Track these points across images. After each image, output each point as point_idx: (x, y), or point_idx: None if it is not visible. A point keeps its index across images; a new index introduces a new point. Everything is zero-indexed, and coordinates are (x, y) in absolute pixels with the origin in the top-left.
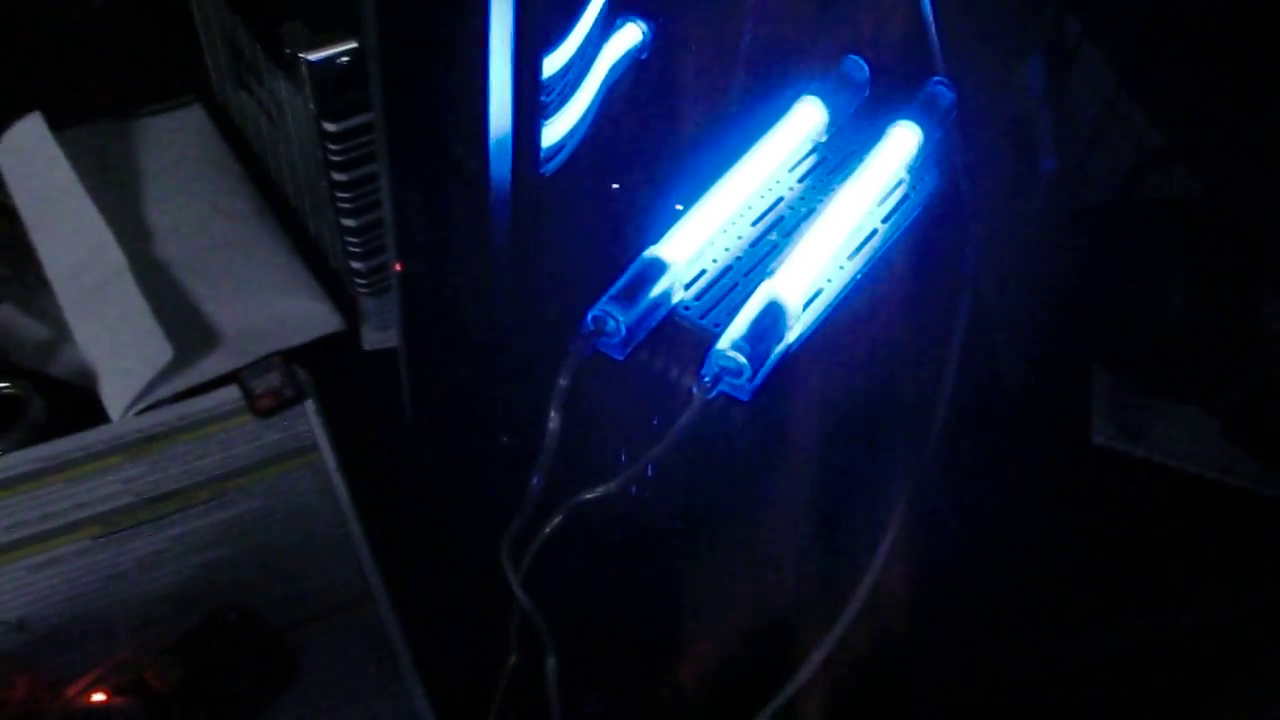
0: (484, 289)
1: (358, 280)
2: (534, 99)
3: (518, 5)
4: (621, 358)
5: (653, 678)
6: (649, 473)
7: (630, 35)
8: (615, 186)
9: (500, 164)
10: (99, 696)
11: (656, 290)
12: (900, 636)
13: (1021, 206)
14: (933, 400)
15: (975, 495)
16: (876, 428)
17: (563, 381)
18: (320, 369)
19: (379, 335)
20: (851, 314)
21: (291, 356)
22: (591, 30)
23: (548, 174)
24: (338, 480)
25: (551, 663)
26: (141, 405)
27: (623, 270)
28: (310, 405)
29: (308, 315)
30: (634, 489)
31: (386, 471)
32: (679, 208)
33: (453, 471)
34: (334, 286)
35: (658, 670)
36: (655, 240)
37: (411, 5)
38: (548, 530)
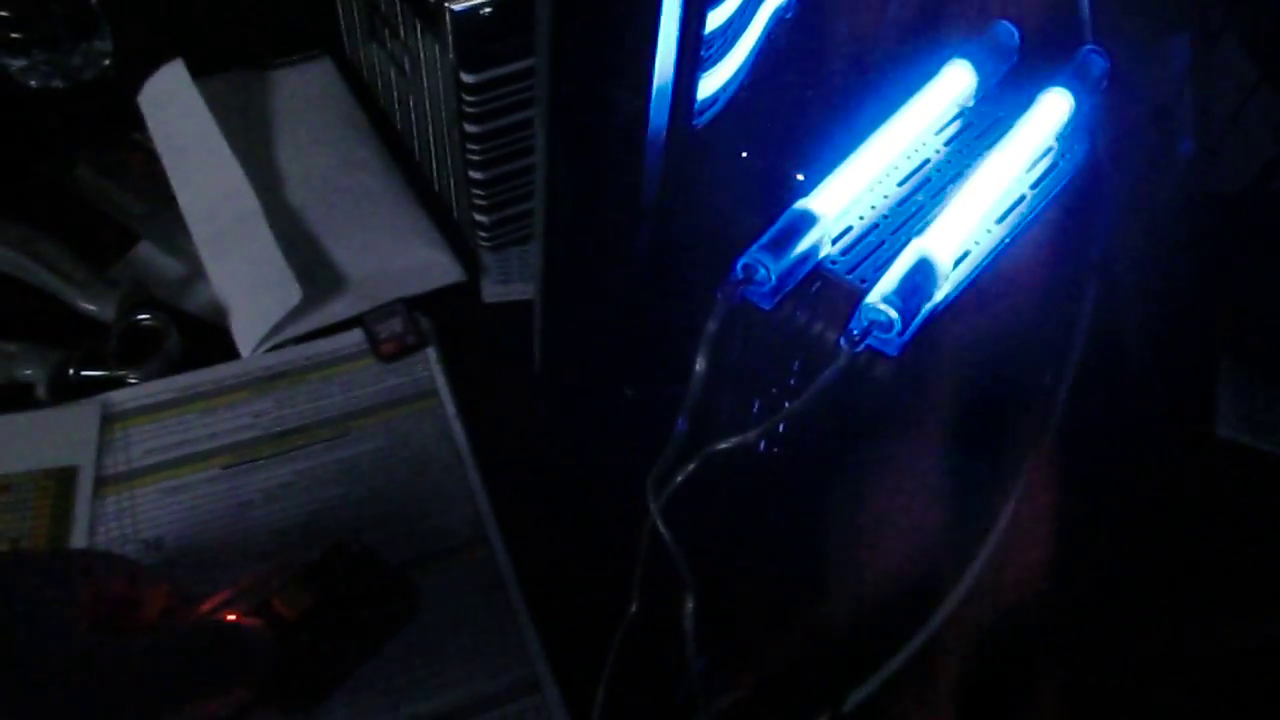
0: (629, 240)
1: (480, 233)
2: (697, 51)
3: None
4: (769, 307)
5: (775, 632)
6: (781, 428)
7: None
8: (744, 155)
9: (659, 114)
10: (230, 617)
11: (805, 243)
12: (1016, 616)
13: (1157, 188)
14: (1058, 379)
15: (1095, 479)
16: (1004, 401)
17: (711, 326)
18: (441, 318)
19: (499, 288)
20: (993, 279)
21: (414, 304)
22: None
23: (698, 127)
24: (456, 426)
25: (690, 602)
26: (270, 344)
27: (767, 225)
28: (431, 352)
29: (430, 265)
30: (763, 444)
31: (505, 419)
32: (800, 177)
33: (574, 422)
34: (456, 239)
35: (780, 625)
36: (801, 197)
37: None
38: (680, 478)
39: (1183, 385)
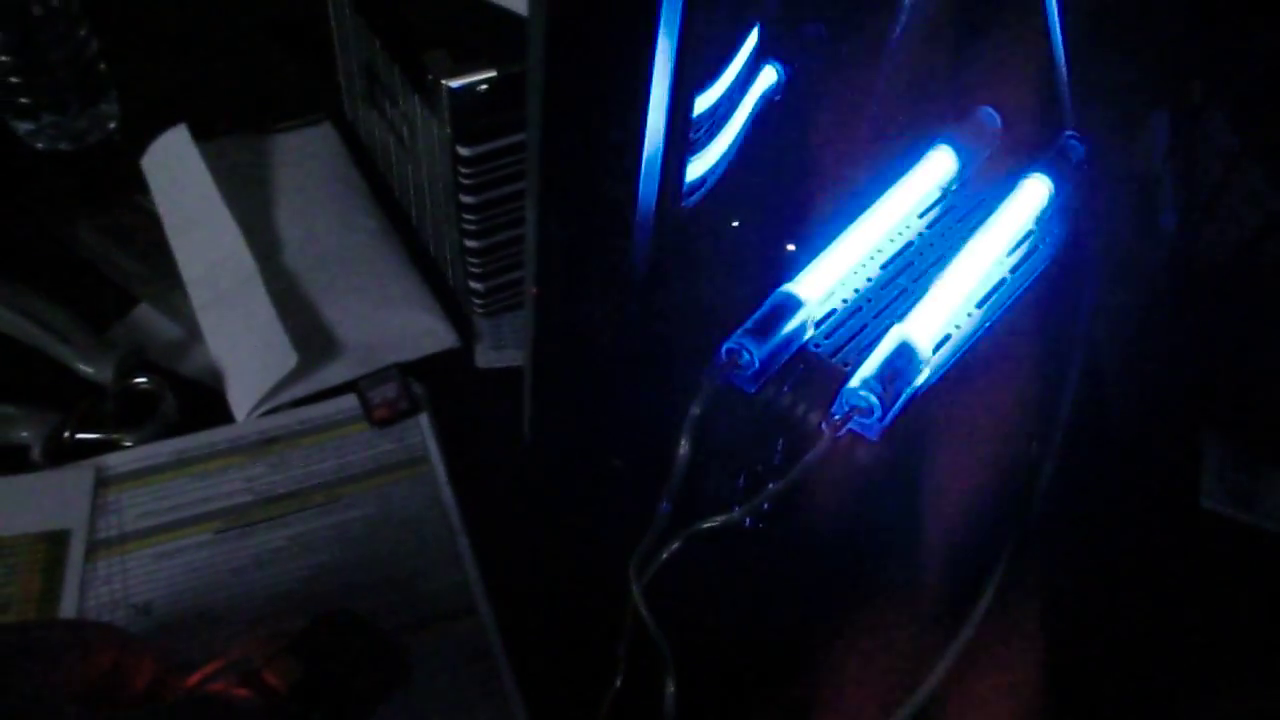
0: (617, 317)
1: (475, 300)
2: (685, 135)
3: (680, 44)
4: (753, 391)
5: (756, 709)
6: (765, 507)
7: (767, 78)
8: (735, 224)
9: (647, 195)
10: (219, 688)
11: (790, 326)
12: (1000, 696)
13: (1140, 262)
14: (1041, 451)
15: (1079, 551)
16: (988, 478)
17: (694, 410)
18: (434, 384)
19: (493, 355)
20: (975, 361)
21: (408, 370)
22: (740, 72)
23: (687, 208)
24: (447, 493)
25: (671, 684)
26: (265, 408)
27: (755, 304)
28: (424, 418)
29: (425, 330)
30: (749, 522)
31: (495, 486)
32: (791, 247)
33: (562, 491)
34: (450, 305)
35: (761, 701)
36: (788, 278)
37: (579, 40)
38: (664, 556)
39: (1167, 457)
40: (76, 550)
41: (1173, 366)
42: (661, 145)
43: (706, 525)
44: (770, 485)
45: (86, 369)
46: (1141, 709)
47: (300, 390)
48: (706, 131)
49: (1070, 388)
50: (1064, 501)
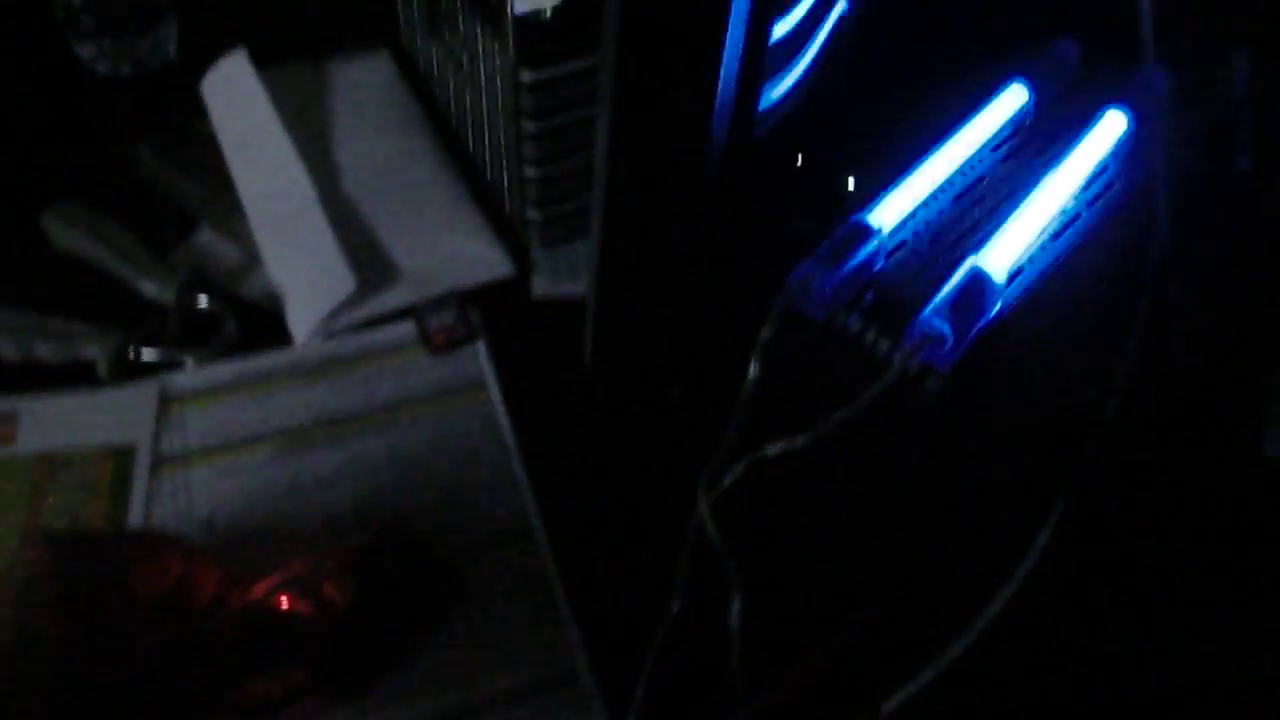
0: (685, 243)
1: (532, 230)
2: (761, 59)
3: None
4: (822, 318)
5: (814, 636)
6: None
7: (842, 8)
8: (799, 162)
9: (721, 121)
10: (281, 600)
11: (861, 255)
12: (1059, 628)
13: (1212, 206)
14: (1104, 394)
15: (1139, 496)
16: (1050, 416)
17: (765, 334)
18: (490, 312)
19: (549, 285)
20: (1044, 296)
21: (464, 298)
22: (816, 1)
23: (757, 136)
24: (503, 419)
25: (737, 603)
26: (324, 332)
27: (823, 235)
28: (481, 345)
29: (482, 259)
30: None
31: (551, 414)
32: (851, 185)
33: (621, 419)
34: (507, 234)
35: (820, 628)
36: (856, 207)
37: None
38: (727, 482)
39: (1231, 403)
40: (142, 465)
41: (1239, 312)
42: (738, 69)
43: (771, 452)
44: (836, 413)
45: (150, 289)
46: (1197, 654)
47: (358, 315)
48: (782, 60)
49: (1136, 329)
50: (1125, 444)
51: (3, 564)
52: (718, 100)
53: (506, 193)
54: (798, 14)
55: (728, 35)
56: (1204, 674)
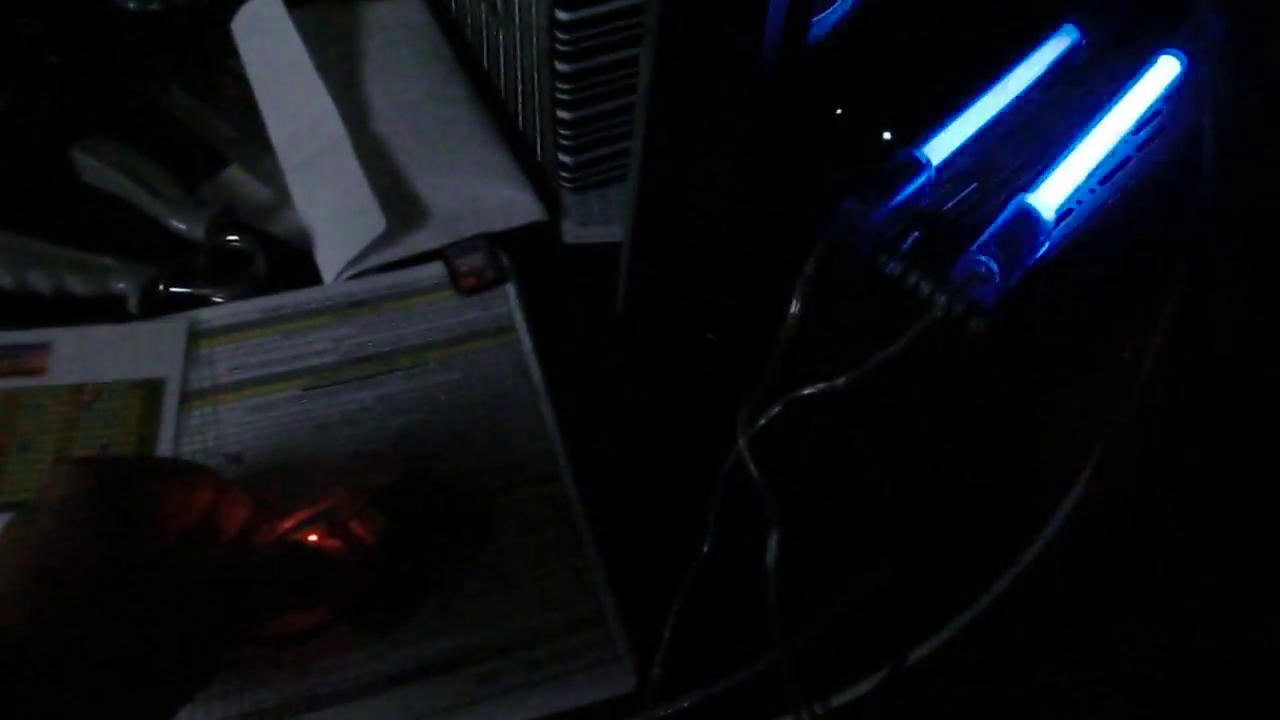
0: (725, 185)
1: (563, 174)
2: None
3: None
4: (867, 253)
5: (846, 579)
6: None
7: None
8: (839, 112)
9: (769, 56)
10: (311, 536)
11: (910, 188)
12: (1086, 587)
13: (1260, 163)
14: (1141, 355)
15: (1171, 457)
16: (1089, 367)
17: (809, 269)
18: (520, 256)
19: (580, 230)
20: (1088, 241)
21: (494, 241)
22: None
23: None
24: (532, 361)
25: (774, 537)
26: (353, 271)
27: (867, 175)
28: (511, 288)
29: (512, 202)
30: (849, 392)
31: (580, 357)
32: (887, 136)
33: (651, 362)
34: (538, 178)
35: (851, 573)
36: (904, 148)
37: None
38: (763, 420)
39: (1268, 371)
40: (171, 398)
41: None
42: None
43: (808, 392)
44: (876, 355)
45: (179, 225)
46: (1226, 622)
47: (388, 255)
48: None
49: (1176, 286)
50: (1165, 395)
51: (36, 491)
52: (766, 33)
53: (538, 136)
54: None
55: None
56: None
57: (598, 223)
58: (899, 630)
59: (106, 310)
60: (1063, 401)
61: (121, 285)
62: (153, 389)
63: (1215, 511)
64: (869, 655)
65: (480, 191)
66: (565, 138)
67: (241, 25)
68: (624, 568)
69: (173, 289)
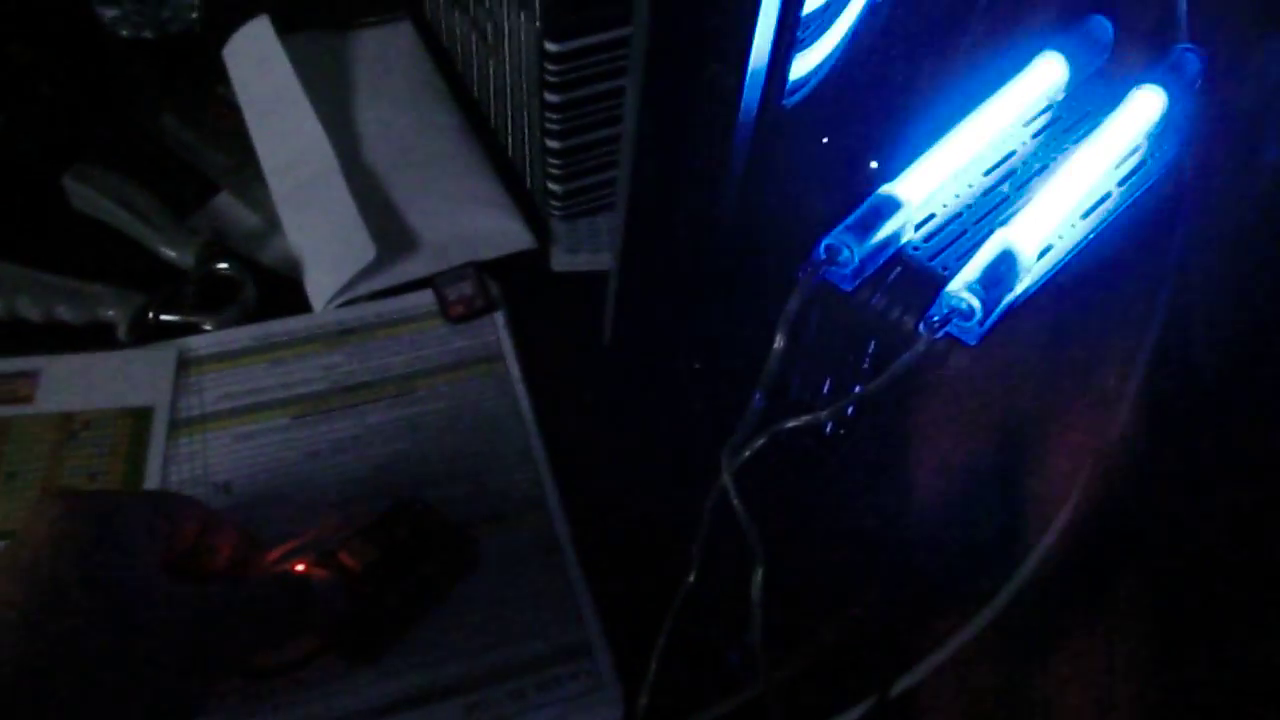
0: (710, 216)
1: (553, 202)
2: (795, 29)
3: None
4: (850, 289)
5: (830, 611)
6: (850, 411)
7: None
8: (825, 141)
9: (752, 91)
10: (299, 566)
11: (889, 227)
12: (1068, 618)
13: (1241, 194)
14: (1125, 382)
15: (1158, 484)
16: (1071, 398)
17: (792, 304)
18: (509, 284)
19: (568, 258)
20: (1071, 276)
21: (483, 269)
22: None
23: (787, 108)
24: (520, 390)
25: (760, 572)
26: (342, 299)
27: (849, 208)
28: (499, 316)
29: (502, 231)
30: (830, 426)
31: (568, 386)
32: (874, 165)
33: (638, 392)
34: (527, 206)
35: (836, 604)
36: (880, 183)
37: None
38: (748, 453)
39: (1253, 397)
40: (160, 427)
41: (1265, 305)
42: (772, 36)
43: (791, 425)
44: (857, 389)
45: (169, 253)
46: (1213, 651)
47: (377, 283)
48: (814, 30)
49: (1158, 318)
50: (1144, 431)
51: (22, 520)
52: (749, 69)
53: (527, 165)
54: None
55: (760, 5)
56: (1223, 664)
57: (587, 251)
58: (884, 660)
59: (96, 338)
60: (1048, 433)
61: (111, 313)
62: (141, 417)
63: (1204, 538)
64: (855, 685)
65: (470, 220)
66: (554, 166)
67: (233, 53)
68: (611, 597)
69: (162, 317)
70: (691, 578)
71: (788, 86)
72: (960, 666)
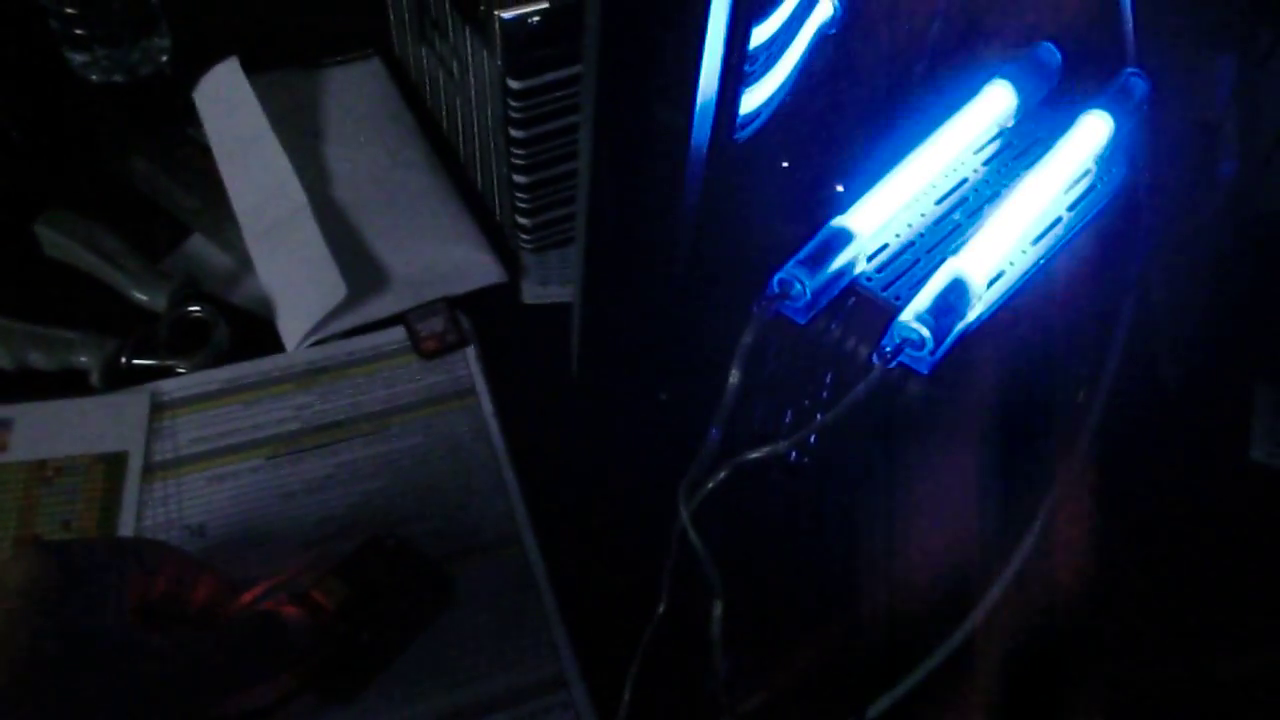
0: (668, 248)
1: (522, 236)
2: (741, 65)
3: None
4: (804, 321)
5: (801, 638)
6: (813, 439)
7: (823, 10)
8: (785, 165)
9: (702, 127)
10: (272, 607)
11: (841, 259)
12: (1041, 636)
13: (1198, 209)
14: (1091, 397)
15: (1126, 499)
16: (1036, 419)
17: (746, 340)
18: (480, 318)
19: (539, 290)
20: (1029, 299)
21: (454, 304)
22: (799, 4)
23: (740, 141)
24: (493, 424)
25: (718, 608)
26: (315, 338)
27: (805, 239)
28: (471, 351)
29: (472, 265)
30: (794, 455)
31: (541, 419)
32: (840, 189)
33: (608, 423)
34: (497, 240)
35: (806, 631)
36: (839, 211)
37: None
38: (711, 485)
39: (1217, 407)
40: (133, 472)
41: (1226, 316)
42: (718, 75)
43: (753, 456)
44: (818, 417)
45: (141, 297)
46: (1180, 654)
47: (349, 321)
48: (762, 64)
49: (1121, 333)
50: (1111, 447)
51: None
52: (697, 107)
53: (496, 199)
54: (779, 19)
55: (706, 41)
56: (1185, 674)
57: (556, 283)
58: (861, 683)
59: (69, 384)
60: (1015, 457)
61: (83, 359)
62: (115, 462)
63: (1167, 567)
64: (832, 710)
65: (440, 255)
66: (522, 200)
67: (204, 95)
68: (585, 629)
69: (135, 361)
70: (661, 608)
71: (740, 120)
72: (934, 692)
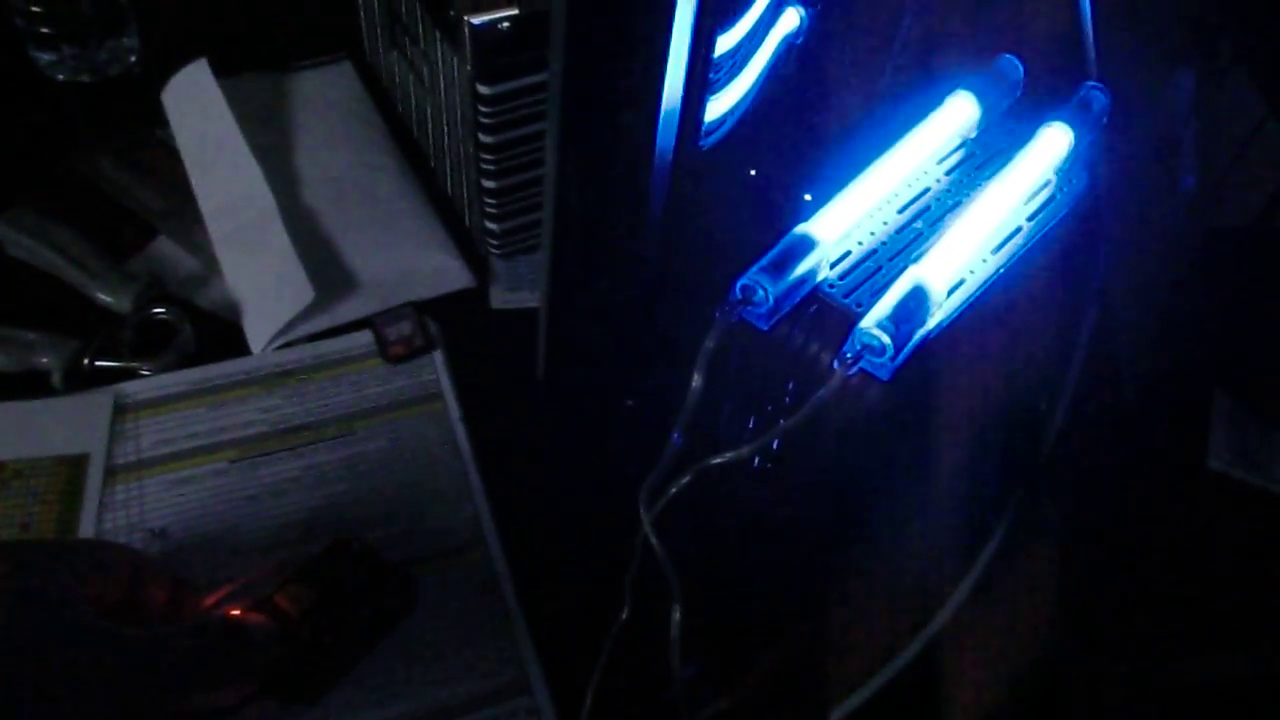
0: (634, 255)
1: (491, 241)
2: (705, 74)
3: None
4: (766, 328)
5: (762, 644)
6: (775, 445)
7: (789, 20)
8: (752, 173)
9: (666, 134)
10: (234, 611)
11: (804, 266)
12: (1004, 639)
13: (1157, 221)
14: (1052, 406)
15: (1086, 506)
16: (996, 427)
17: (708, 344)
18: (448, 323)
19: (507, 295)
20: (990, 308)
21: (422, 308)
22: (764, 13)
23: (705, 149)
24: (459, 429)
25: (677, 614)
26: (281, 341)
27: (769, 246)
28: (438, 355)
29: (441, 270)
30: (757, 460)
31: (507, 424)
32: (808, 198)
33: (574, 430)
34: (466, 245)
35: (768, 637)
36: (804, 219)
37: None
38: (673, 490)
39: (1176, 417)
40: (95, 474)
41: (1185, 327)
42: (682, 84)
43: (716, 461)
44: (780, 423)
45: (106, 298)
46: (1141, 662)
47: (316, 325)
48: (727, 72)
49: (1082, 343)
50: (1072, 455)
51: None
52: (661, 115)
53: (465, 204)
54: (744, 27)
55: (670, 49)
56: (1143, 679)
57: (526, 288)
58: (816, 695)
59: (30, 385)
60: (979, 462)
61: (45, 360)
62: (76, 464)
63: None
64: (794, 715)
65: (409, 259)
66: (491, 205)
67: (172, 96)
68: (548, 634)
69: (98, 362)
70: (625, 613)
71: (705, 127)
72: (893, 698)
